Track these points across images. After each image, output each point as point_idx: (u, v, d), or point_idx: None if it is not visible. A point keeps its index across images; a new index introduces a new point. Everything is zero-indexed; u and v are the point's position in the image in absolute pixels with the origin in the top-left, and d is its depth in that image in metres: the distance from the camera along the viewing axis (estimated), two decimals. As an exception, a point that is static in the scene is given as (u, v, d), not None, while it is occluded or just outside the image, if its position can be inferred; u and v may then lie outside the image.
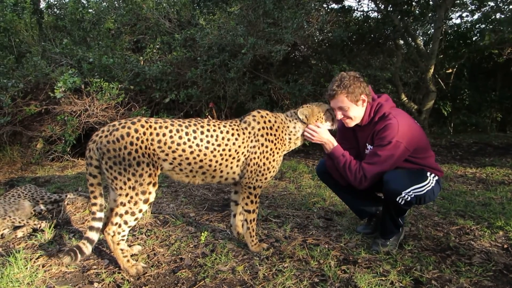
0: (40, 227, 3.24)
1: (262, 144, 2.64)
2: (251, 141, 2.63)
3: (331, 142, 2.82)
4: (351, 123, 2.76)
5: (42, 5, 9.55)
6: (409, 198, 2.53)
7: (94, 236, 2.48)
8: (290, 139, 2.80)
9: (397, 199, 2.54)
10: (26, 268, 2.48)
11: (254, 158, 2.63)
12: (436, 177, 2.74)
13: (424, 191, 2.59)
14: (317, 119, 2.80)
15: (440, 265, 2.54)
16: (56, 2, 9.60)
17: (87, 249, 2.44)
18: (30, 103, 6.18)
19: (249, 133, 2.63)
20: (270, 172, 2.72)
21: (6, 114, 6.00)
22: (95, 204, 2.48)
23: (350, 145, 2.94)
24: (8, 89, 5.91)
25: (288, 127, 2.79)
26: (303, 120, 2.77)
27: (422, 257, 2.64)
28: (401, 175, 2.58)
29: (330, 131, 2.88)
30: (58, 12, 9.28)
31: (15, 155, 6.42)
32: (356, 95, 2.63)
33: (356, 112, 2.69)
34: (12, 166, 6.23)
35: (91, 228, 2.48)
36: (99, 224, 2.50)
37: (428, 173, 2.71)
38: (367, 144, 2.78)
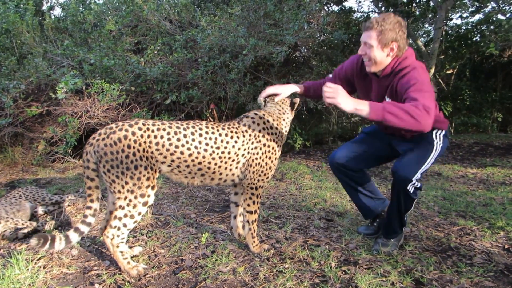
0: (41, 228, 3.25)
1: (264, 144, 2.66)
2: (252, 142, 2.63)
3: (360, 103, 2.26)
4: (370, 66, 2.58)
5: (44, 7, 9.58)
6: (418, 184, 2.55)
7: (75, 237, 2.44)
8: (286, 131, 2.87)
9: (408, 187, 2.52)
10: (27, 269, 2.49)
11: (256, 158, 2.64)
12: (443, 132, 2.67)
13: (430, 163, 2.59)
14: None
15: (441, 265, 2.54)
16: (57, 4, 9.65)
17: (60, 245, 2.37)
18: (31, 105, 6.19)
19: (250, 135, 2.64)
20: (271, 170, 2.75)
21: (8, 116, 6.01)
22: (89, 208, 2.48)
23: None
24: (10, 90, 5.92)
25: (284, 119, 2.86)
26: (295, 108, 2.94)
27: (423, 258, 2.64)
28: (409, 162, 2.55)
29: None
30: (59, 13, 9.31)
31: (16, 156, 6.43)
32: (387, 39, 2.43)
33: (378, 56, 2.50)
34: (13, 168, 6.24)
35: (76, 229, 2.45)
36: (85, 229, 2.47)
37: (434, 136, 2.63)
38: (386, 97, 2.58)
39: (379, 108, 2.23)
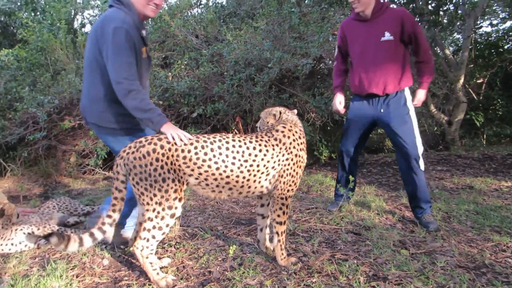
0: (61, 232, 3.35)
1: (296, 155, 2.72)
2: (283, 154, 2.66)
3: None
4: (359, 7, 3.34)
5: (76, 25, 10.00)
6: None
7: (88, 242, 2.46)
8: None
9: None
10: (62, 278, 2.56)
11: (288, 169, 2.68)
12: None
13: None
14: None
15: (475, 283, 2.45)
16: (88, 22, 10.05)
17: (73, 246, 2.38)
18: (64, 119, 6.45)
19: (280, 148, 2.66)
20: (300, 178, 2.81)
21: (42, 129, 6.27)
22: (109, 217, 2.53)
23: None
24: (45, 105, 6.19)
25: (302, 127, 2.94)
26: None
27: (455, 275, 2.56)
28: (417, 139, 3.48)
29: None
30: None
31: (50, 168, 6.68)
32: None
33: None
34: (47, 179, 6.48)
35: (91, 234, 2.48)
36: (99, 236, 2.51)
37: (407, 96, 3.53)
38: (386, 32, 3.31)
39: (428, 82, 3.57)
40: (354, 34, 3.51)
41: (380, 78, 3.41)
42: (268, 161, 2.62)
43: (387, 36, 3.30)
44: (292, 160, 2.70)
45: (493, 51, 9.91)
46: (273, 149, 2.65)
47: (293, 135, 2.76)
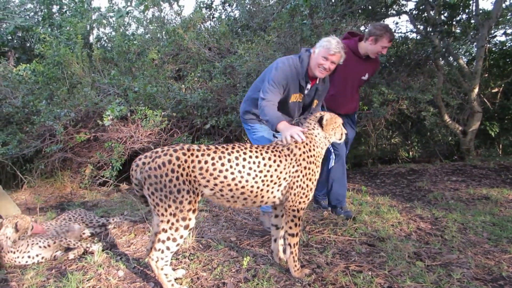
0: (90, 249, 3.40)
1: (305, 167, 2.71)
2: (293, 166, 2.68)
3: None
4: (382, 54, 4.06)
5: (91, 39, 10.21)
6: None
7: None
8: (322, 148, 2.90)
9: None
10: (78, 290, 2.60)
11: (297, 181, 2.68)
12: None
13: None
14: (333, 128, 2.95)
15: (493, 296, 2.41)
16: (104, 36, 10.26)
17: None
18: (80, 131, 6.55)
19: (291, 159, 2.68)
20: (312, 191, 2.79)
21: (59, 142, 6.39)
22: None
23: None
24: (61, 118, 6.31)
25: (315, 135, 2.89)
26: (325, 124, 2.91)
27: (472, 287, 2.52)
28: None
29: None
30: (106, 45, 9.88)
31: (65, 180, 6.79)
32: None
33: None
34: (63, 191, 6.58)
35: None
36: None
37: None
38: (367, 74, 4.19)
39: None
40: (346, 63, 4.03)
41: (352, 104, 4.33)
42: (280, 172, 2.64)
43: (366, 76, 4.21)
44: (301, 172, 2.70)
45: (508, 60, 9.79)
46: (285, 160, 2.68)
47: (304, 147, 2.77)
